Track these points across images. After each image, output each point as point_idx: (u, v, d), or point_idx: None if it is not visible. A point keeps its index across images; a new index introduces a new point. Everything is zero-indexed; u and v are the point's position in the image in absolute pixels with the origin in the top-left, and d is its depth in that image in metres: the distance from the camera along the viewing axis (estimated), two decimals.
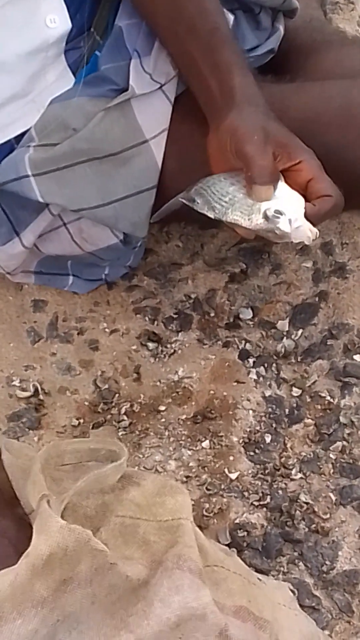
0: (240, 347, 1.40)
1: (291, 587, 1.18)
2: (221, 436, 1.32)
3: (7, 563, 0.90)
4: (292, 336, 1.41)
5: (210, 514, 1.26)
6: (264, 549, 1.24)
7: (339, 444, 1.32)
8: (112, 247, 1.27)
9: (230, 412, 1.34)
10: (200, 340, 1.41)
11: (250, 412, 1.34)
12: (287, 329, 1.42)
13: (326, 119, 1.16)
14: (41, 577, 0.88)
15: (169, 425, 1.33)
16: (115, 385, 1.37)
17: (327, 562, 1.23)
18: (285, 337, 1.41)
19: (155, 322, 1.42)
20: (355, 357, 1.39)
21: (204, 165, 1.12)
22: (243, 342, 1.40)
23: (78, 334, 1.41)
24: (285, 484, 1.29)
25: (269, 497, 1.28)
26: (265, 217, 1.03)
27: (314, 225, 1.04)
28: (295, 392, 1.36)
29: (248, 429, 1.33)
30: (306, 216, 1.03)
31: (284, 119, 1.08)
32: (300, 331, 1.42)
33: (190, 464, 1.30)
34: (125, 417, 1.33)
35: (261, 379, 1.37)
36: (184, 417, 1.34)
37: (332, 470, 1.30)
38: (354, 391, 1.36)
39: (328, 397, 1.36)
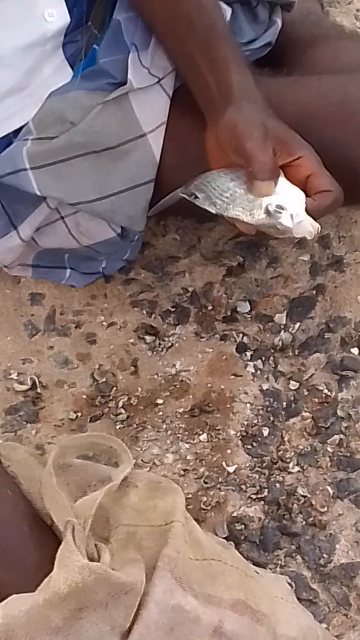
0: (237, 341, 1.40)
1: (289, 580, 1.18)
2: (218, 429, 1.32)
3: (27, 585, 0.90)
4: (290, 329, 1.41)
5: (207, 507, 1.26)
6: (262, 542, 1.24)
7: (336, 437, 1.32)
8: (109, 241, 1.27)
9: (228, 406, 1.34)
10: (197, 334, 1.41)
11: (248, 405, 1.34)
12: (284, 322, 1.42)
13: (323, 115, 1.16)
14: (57, 608, 0.88)
15: (167, 419, 1.33)
16: (113, 378, 1.37)
17: (325, 555, 1.23)
18: (282, 331, 1.41)
19: (153, 316, 1.42)
20: (352, 350, 1.39)
21: (201, 160, 1.12)
22: (240, 335, 1.40)
23: (75, 327, 1.41)
24: (283, 477, 1.29)
25: (266, 490, 1.28)
26: (267, 212, 1.03)
27: (315, 220, 1.04)
28: (293, 385, 1.36)
29: (245, 422, 1.33)
30: (307, 211, 1.04)
31: (281, 114, 1.08)
32: (297, 324, 1.42)
33: (188, 457, 1.30)
34: (122, 411, 1.33)
35: (258, 372, 1.37)
36: (181, 410, 1.34)
37: (329, 464, 1.30)
38: (351, 384, 1.36)
39: (325, 391, 1.36)
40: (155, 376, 1.37)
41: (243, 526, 1.25)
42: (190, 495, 1.27)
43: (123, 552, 0.95)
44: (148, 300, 1.43)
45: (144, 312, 1.42)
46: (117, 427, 1.32)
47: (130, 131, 1.17)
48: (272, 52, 1.30)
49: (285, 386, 1.37)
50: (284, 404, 1.35)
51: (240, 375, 1.37)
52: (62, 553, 0.89)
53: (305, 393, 1.36)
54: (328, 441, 1.32)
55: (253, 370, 1.37)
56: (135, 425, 1.33)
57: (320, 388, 1.36)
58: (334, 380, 1.37)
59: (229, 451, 1.31)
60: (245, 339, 1.40)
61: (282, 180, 1.06)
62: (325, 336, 1.41)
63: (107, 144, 1.17)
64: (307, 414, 1.34)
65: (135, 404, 1.34)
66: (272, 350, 1.39)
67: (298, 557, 1.24)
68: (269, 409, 1.34)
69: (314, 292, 1.45)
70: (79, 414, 1.33)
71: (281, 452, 1.31)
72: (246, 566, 1.10)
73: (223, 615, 0.99)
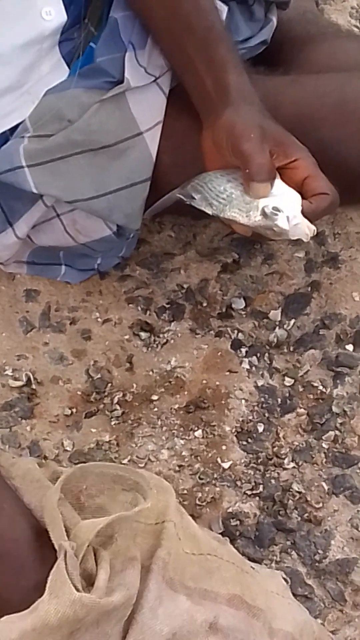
0: (232, 337, 1.40)
1: (284, 576, 1.19)
2: (214, 426, 1.33)
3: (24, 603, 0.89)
4: (285, 326, 1.41)
5: (203, 503, 1.27)
6: (257, 538, 1.25)
7: (331, 433, 1.32)
8: (105, 239, 1.27)
9: (223, 402, 1.35)
10: (192, 330, 1.41)
11: (243, 401, 1.35)
12: (279, 318, 1.42)
13: (321, 115, 1.16)
14: (47, 637, 0.87)
15: (162, 415, 1.34)
16: (108, 374, 1.37)
17: (320, 551, 1.24)
18: (277, 327, 1.41)
19: (148, 312, 1.42)
20: (347, 346, 1.39)
21: (197, 159, 1.12)
22: (235, 332, 1.41)
23: (70, 323, 1.41)
24: (278, 473, 1.30)
25: (261, 486, 1.29)
26: (264, 214, 1.04)
27: (311, 222, 1.04)
28: (288, 381, 1.37)
29: (240, 419, 1.33)
30: (303, 213, 1.04)
31: (278, 114, 1.09)
32: (292, 321, 1.42)
33: (183, 454, 1.31)
34: (117, 407, 1.34)
35: (254, 368, 1.38)
36: (176, 406, 1.34)
37: (324, 460, 1.31)
38: (346, 381, 1.37)
39: (320, 387, 1.36)
40: (151, 372, 1.37)
41: (238, 522, 1.26)
42: (185, 492, 1.27)
43: (125, 550, 0.95)
44: (143, 296, 1.43)
45: (139, 308, 1.42)
46: (112, 423, 1.32)
47: (127, 130, 1.17)
48: (268, 50, 1.30)
49: (281, 382, 1.37)
50: (279, 400, 1.35)
51: (236, 372, 1.37)
52: (54, 580, 0.87)
53: (301, 389, 1.36)
54: (323, 437, 1.32)
55: (248, 367, 1.38)
56: (130, 422, 1.33)
57: (316, 384, 1.36)
58: (329, 376, 1.37)
59: (224, 447, 1.31)
60: (240, 336, 1.40)
61: (278, 182, 1.06)
62: (321, 333, 1.41)
63: (104, 142, 1.17)
64: (302, 410, 1.35)
65: (130, 400, 1.35)
66: (267, 347, 1.40)
67: (293, 553, 1.24)
68: (264, 405, 1.35)
69: (309, 288, 1.45)
70: (74, 410, 1.34)
71: (276, 448, 1.32)
72: (242, 561, 1.11)
73: (218, 611, 1.00)
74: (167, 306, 1.43)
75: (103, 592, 0.89)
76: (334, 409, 1.34)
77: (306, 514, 1.27)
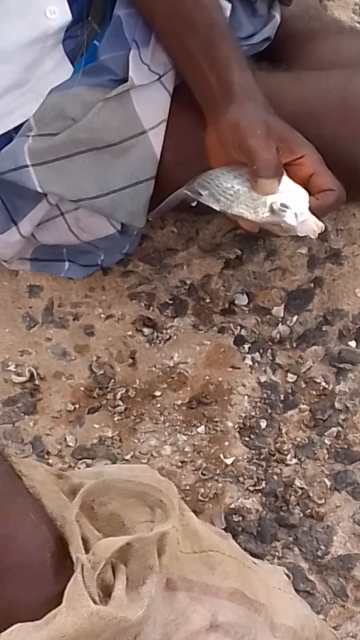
0: (235, 333, 1.40)
1: (286, 572, 1.19)
2: (216, 421, 1.33)
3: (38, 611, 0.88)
4: (287, 322, 1.42)
5: (205, 498, 1.27)
6: (259, 534, 1.25)
7: (333, 429, 1.33)
8: (109, 237, 1.27)
9: (226, 398, 1.35)
10: (195, 326, 1.41)
11: (246, 397, 1.35)
12: (282, 315, 1.42)
13: (324, 112, 1.16)
14: None
15: (164, 411, 1.34)
16: (111, 370, 1.37)
17: (322, 547, 1.25)
18: (280, 323, 1.41)
19: (151, 308, 1.42)
20: (350, 343, 1.40)
21: (201, 158, 1.13)
22: (238, 327, 1.41)
23: (73, 319, 1.41)
24: (280, 469, 1.30)
25: (264, 482, 1.29)
26: (272, 210, 1.04)
27: (318, 218, 1.05)
28: (290, 377, 1.37)
29: (243, 415, 1.34)
30: (310, 210, 1.04)
31: (281, 111, 1.09)
32: (295, 317, 1.42)
33: (186, 449, 1.31)
34: (120, 402, 1.34)
35: (256, 364, 1.38)
36: (179, 402, 1.35)
37: (326, 456, 1.31)
38: (349, 377, 1.37)
39: (323, 383, 1.36)
40: (153, 368, 1.38)
41: (241, 518, 1.26)
42: (188, 487, 1.28)
43: (142, 559, 0.94)
44: (146, 292, 1.43)
45: (142, 304, 1.42)
46: (115, 419, 1.33)
47: (131, 128, 1.17)
48: (271, 46, 1.30)
49: (283, 378, 1.37)
50: (282, 396, 1.36)
51: (238, 368, 1.38)
52: (71, 592, 0.87)
53: (303, 385, 1.37)
54: (325, 433, 1.33)
55: (251, 363, 1.38)
56: (133, 417, 1.33)
57: (318, 380, 1.37)
58: (332, 372, 1.38)
59: (226, 443, 1.32)
60: (243, 332, 1.40)
61: (285, 178, 1.06)
62: (323, 329, 1.41)
63: (108, 141, 1.17)
64: (305, 406, 1.35)
65: (133, 396, 1.35)
66: (270, 343, 1.40)
67: (295, 548, 1.25)
68: (266, 401, 1.35)
69: (312, 284, 1.45)
70: (77, 406, 1.34)
71: (279, 444, 1.32)
72: (244, 556, 1.11)
73: (218, 607, 0.99)
74: (170, 302, 1.43)
75: (120, 604, 0.88)
76: (337, 405, 1.34)
77: (308, 510, 1.27)
